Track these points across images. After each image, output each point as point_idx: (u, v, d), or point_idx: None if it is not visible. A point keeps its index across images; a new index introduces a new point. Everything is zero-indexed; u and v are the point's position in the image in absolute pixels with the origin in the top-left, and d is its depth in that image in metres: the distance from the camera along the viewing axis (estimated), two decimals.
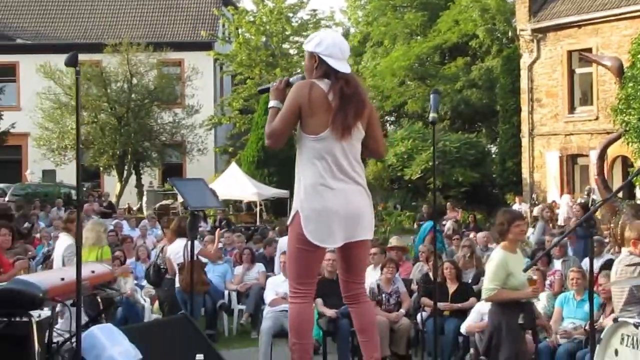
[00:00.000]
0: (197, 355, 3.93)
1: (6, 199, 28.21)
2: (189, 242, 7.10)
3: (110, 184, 36.72)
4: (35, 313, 5.48)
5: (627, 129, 19.97)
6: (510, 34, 37.60)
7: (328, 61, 5.12)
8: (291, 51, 40.00)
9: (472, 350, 10.37)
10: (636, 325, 5.48)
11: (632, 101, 19.70)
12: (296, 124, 5.13)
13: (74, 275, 4.88)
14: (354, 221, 5.05)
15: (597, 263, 9.65)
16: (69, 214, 11.28)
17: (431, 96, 6.21)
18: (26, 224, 18.65)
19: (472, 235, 16.90)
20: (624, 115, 19.99)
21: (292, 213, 5.16)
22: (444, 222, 26.30)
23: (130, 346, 4.25)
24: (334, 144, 5.04)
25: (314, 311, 5.30)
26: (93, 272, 5.70)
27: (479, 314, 9.80)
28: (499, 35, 39.10)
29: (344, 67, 5.15)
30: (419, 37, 40.93)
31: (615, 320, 5.80)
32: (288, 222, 5.24)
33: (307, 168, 5.10)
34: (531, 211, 28.96)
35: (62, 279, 4.53)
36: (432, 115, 6.29)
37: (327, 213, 4.98)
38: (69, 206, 27.42)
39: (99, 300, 6.31)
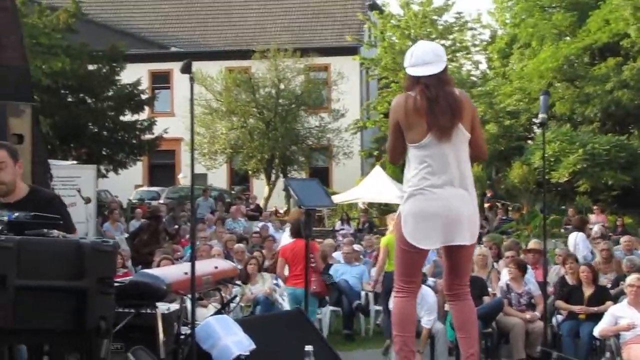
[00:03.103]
0: (306, 347, 4.14)
1: (160, 201, 29.35)
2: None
3: (259, 187, 37.55)
4: (164, 306, 5.86)
5: None
6: None
7: (409, 71, 5.33)
8: None
9: (607, 355, 10.22)
10: None
11: None
12: (402, 138, 5.30)
13: (197, 270, 5.22)
14: (453, 226, 5.17)
15: None
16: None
17: (541, 97, 6.19)
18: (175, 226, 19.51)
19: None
20: None
21: (396, 215, 5.42)
22: (591, 227, 25.74)
23: (244, 337, 4.49)
24: (435, 149, 5.16)
25: (416, 308, 5.50)
26: (216, 267, 6.03)
27: (612, 317, 9.66)
28: None
29: (422, 71, 5.25)
30: (567, 38, 39.83)
31: None
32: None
33: (411, 174, 5.27)
34: None
35: (186, 273, 4.83)
36: (541, 116, 6.26)
37: (425, 215, 5.15)
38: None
39: (222, 295, 6.63)
